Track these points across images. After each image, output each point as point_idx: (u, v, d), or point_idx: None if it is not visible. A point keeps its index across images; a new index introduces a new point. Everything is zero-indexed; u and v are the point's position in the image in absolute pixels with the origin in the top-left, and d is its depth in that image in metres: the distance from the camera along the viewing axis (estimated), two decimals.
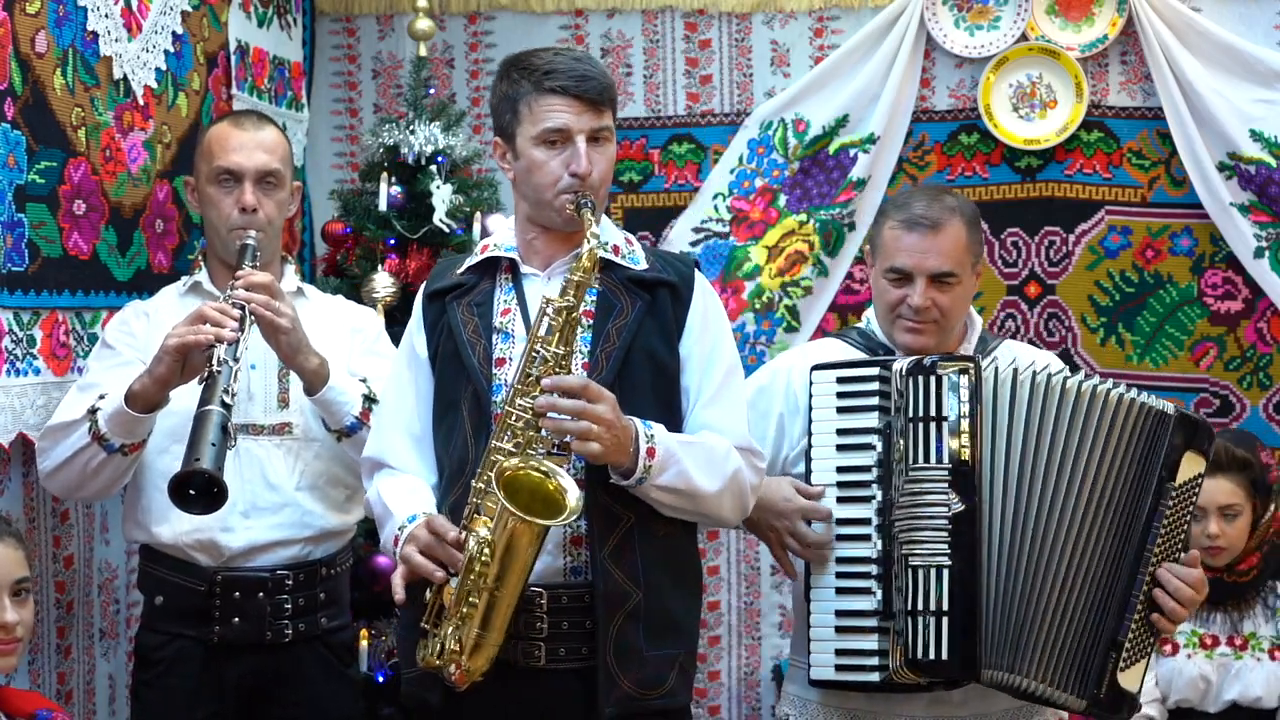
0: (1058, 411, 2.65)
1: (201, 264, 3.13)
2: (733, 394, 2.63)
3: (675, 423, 2.57)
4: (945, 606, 2.58)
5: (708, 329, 2.62)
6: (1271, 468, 3.79)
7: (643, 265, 2.61)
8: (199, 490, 2.58)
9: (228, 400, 2.66)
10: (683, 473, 2.47)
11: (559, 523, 2.37)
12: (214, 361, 2.70)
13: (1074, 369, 2.88)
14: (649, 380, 2.55)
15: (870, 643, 2.66)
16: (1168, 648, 3.63)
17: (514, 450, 2.43)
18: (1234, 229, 4.12)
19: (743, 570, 4.41)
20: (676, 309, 2.60)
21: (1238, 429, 4.08)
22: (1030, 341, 4.17)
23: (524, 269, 2.62)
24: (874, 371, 2.73)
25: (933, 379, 2.64)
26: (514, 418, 2.44)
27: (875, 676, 2.66)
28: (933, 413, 2.63)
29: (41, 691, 3.05)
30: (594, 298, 2.55)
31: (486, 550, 2.36)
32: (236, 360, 2.73)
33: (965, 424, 2.62)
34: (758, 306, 4.29)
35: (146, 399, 2.80)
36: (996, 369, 2.67)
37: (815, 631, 2.73)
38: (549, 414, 2.40)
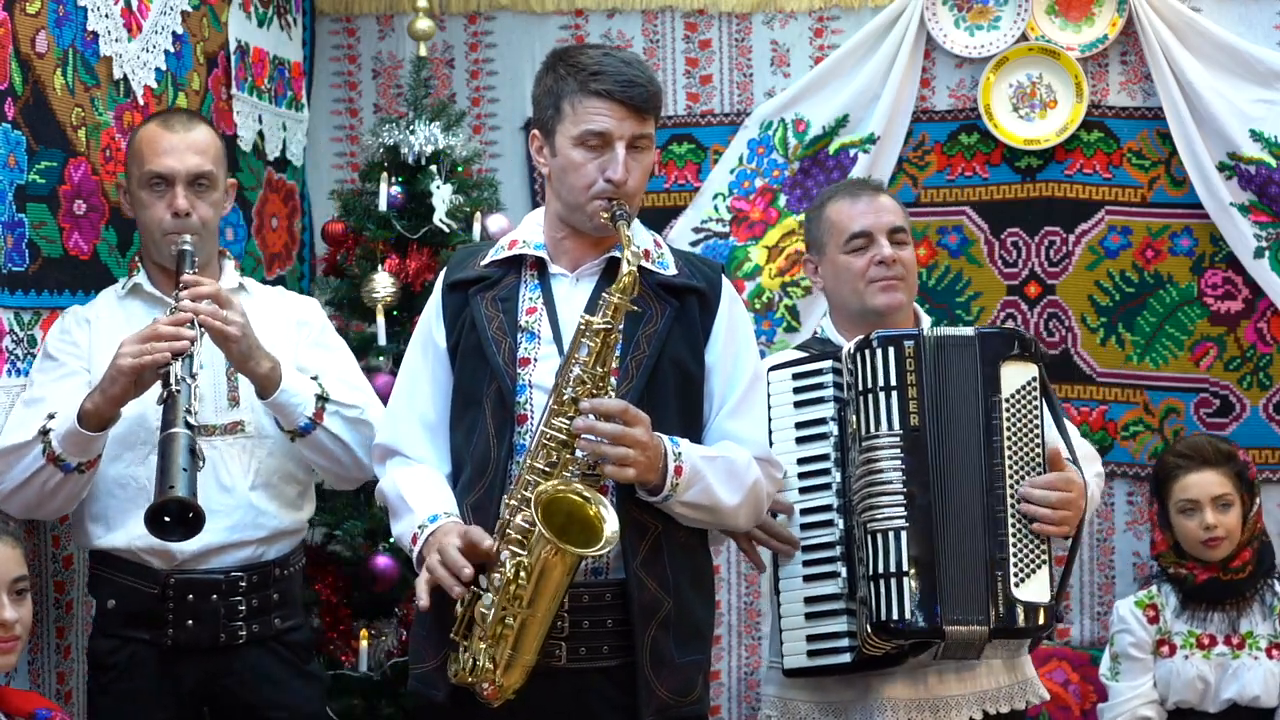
0: (939, 367, 2.72)
1: (139, 265, 3.07)
2: (754, 404, 2.64)
3: (696, 431, 2.57)
4: (905, 567, 2.62)
5: (734, 338, 2.62)
6: (1249, 465, 3.81)
7: (672, 270, 2.60)
8: (174, 518, 2.56)
9: (190, 420, 2.62)
10: (707, 489, 2.48)
11: (594, 553, 2.36)
12: (172, 381, 2.66)
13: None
14: (675, 389, 2.54)
15: (839, 625, 2.73)
16: (1165, 649, 3.63)
17: (548, 470, 2.41)
18: (1234, 229, 4.12)
19: (743, 570, 4.41)
20: (704, 316, 2.59)
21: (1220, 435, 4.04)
22: None
23: (552, 269, 2.60)
24: (827, 365, 2.80)
25: (878, 352, 2.70)
26: (548, 438, 2.42)
27: (846, 658, 2.72)
28: (880, 383, 2.69)
29: (41, 691, 3.05)
30: None
31: (523, 573, 2.35)
32: (194, 376, 2.69)
33: (913, 391, 2.68)
34: (758, 306, 4.29)
35: (100, 417, 2.75)
36: (928, 339, 2.72)
37: (785, 621, 2.79)
38: (585, 436, 2.39)
